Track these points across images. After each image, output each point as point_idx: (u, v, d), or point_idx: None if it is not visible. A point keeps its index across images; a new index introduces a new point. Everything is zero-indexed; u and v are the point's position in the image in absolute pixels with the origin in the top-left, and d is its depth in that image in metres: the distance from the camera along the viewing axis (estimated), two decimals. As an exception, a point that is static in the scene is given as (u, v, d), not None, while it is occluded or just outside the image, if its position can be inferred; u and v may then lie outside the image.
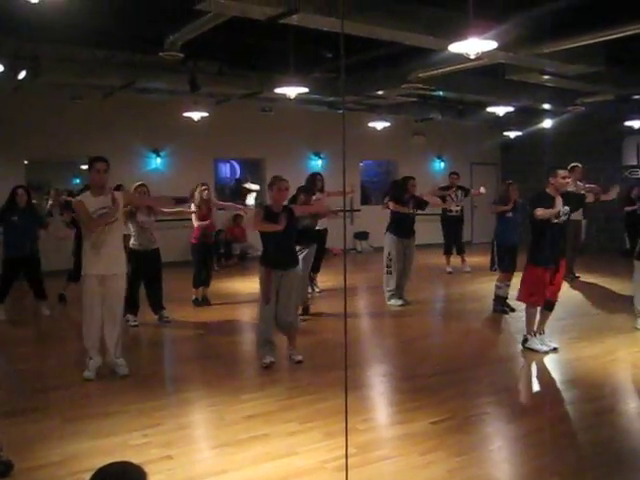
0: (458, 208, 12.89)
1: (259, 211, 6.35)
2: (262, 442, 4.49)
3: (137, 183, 8.09)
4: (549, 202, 6.55)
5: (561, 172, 6.61)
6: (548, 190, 6.67)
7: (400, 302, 9.35)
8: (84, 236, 5.89)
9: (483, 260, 12.80)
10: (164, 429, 4.73)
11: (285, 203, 6.57)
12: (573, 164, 10.71)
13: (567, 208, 6.59)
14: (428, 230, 14.08)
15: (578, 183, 10.55)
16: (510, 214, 8.74)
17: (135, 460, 4.10)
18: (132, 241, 8.01)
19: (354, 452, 4.14)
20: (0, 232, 8.84)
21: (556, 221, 6.54)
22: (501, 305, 8.77)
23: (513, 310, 8.57)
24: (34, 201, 9.63)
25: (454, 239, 12.98)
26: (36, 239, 8.71)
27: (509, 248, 8.74)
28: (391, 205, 9.39)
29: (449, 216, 12.88)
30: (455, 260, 12.92)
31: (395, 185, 9.95)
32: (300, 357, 6.40)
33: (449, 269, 12.84)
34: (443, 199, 12.14)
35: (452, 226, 12.93)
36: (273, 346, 6.35)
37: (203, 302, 9.43)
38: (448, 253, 12.97)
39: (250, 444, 4.45)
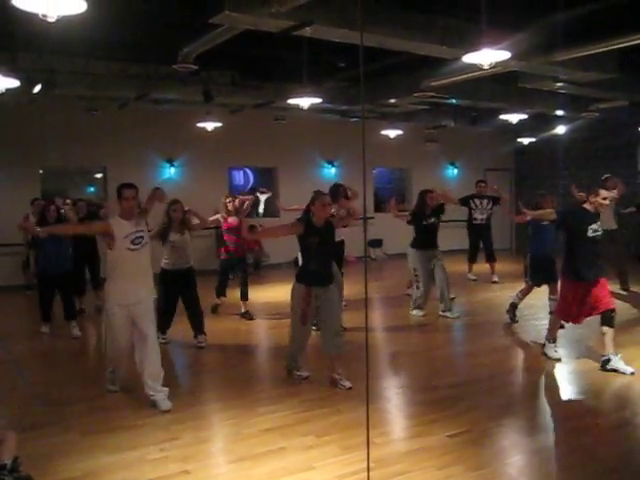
0: (483, 216, 12.59)
1: (295, 224, 6.17)
2: (279, 456, 4.50)
3: (170, 200, 7.53)
4: (586, 219, 6.40)
5: (603, 192, 6.41)
6: (587, 206, 6.49)
7: (420, 313, 9.30)
8: (110, 262, 5.72)
9: (498, 267, 12.75)
10: (181, 443, 4.75)
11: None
12: (606, 175, 10.20)
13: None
14: (452, 236, 13.99)
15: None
16: (546, 222, 8.05)
17: (152, 475, 4.18)
18: (164, 260, 7.68)
19: (372, 466, 4.10)
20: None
21: (591, 235, 6.38)
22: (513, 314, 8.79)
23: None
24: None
25: (484, 247, 12.74)
26: (68, 256, 8.71)
27: (543, 258, 8.40)
28: (395, 213, 9.46)
29: (474, 224, 12.66)
30: (481, 267, 12.78)
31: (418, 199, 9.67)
32: (349, 384, 5.91)
33: (473, 277, 12.72)
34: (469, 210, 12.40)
35: (479, 234, 12.69)
36: (300, 364, 6.37)
37: (246, 315, 9.39)
38: (472, 261, 12.83)
39: (267, 458, 4.47)
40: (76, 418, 5.32)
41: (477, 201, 12.51)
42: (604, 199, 6.41)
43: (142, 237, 5.69)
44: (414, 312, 9.38)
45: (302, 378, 6.29)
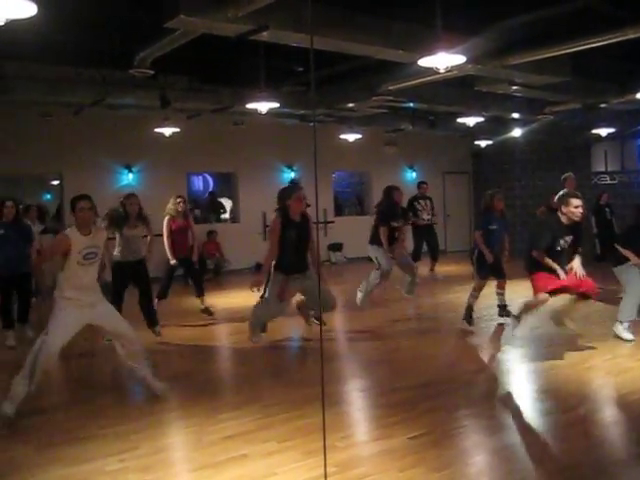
0: (429, 217, 12.98)
1: (276, 225, 7.11)
2: (241, 463, 4.45)
3: (127, 192, 8.45)
4: (557, 233, 6.31)
5: (574, 201, 6.14)
6: (561, 217, 6.28)
7: None
8: (61, 268, 5.53)
9: (457, 269, 12.88)
10: (141, 453, 4.66)
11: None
12: (565, 175, 10.22)
13: (569, 238, 6.28)
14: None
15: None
16: (494, 226, 8.31)
17: (112, 488, 4.07)
18: (116, 252, 7.94)
19: (333, 471, 4.13)
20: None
21: (559, 249, 6.32)
22: (469, 315, 8.43)
23: (508, 315, 8.25)
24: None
25: (430, 247, 13.05)
26: (26, 256, 8.41)
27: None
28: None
29: (419, 225, 12.91)
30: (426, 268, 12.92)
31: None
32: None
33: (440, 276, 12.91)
34: (414, 212, 12.51)
35: (423, 234, 12.97)
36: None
37: (206, 312, 9.63)
38: (416, 261, 12.88)
39: (229, 465, 4.41)
40: (32, 431, 5.19)
41: (422, 202, 12.93)
42: (576, 207, 6.17)
43: (95, 254, 5.60)
44: None
45: (254, 342, 7.35)
